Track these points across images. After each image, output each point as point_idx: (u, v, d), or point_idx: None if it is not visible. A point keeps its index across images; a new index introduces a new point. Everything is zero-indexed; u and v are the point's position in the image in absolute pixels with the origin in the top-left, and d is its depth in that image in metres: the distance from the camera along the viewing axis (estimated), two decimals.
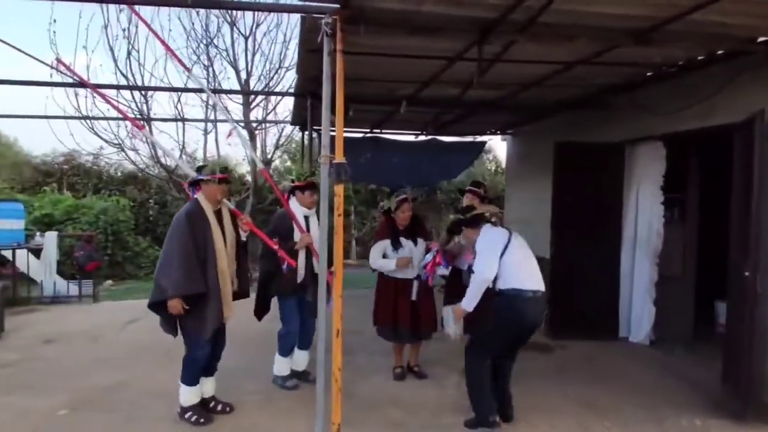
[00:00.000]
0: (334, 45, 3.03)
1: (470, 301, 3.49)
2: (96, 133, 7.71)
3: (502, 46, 3.78)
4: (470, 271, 3.70)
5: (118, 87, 6.86)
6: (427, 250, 4.47)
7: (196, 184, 3.81)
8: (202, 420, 3.70)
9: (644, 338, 5.75)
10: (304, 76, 4.45)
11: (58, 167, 12.51)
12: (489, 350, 3.58)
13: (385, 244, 4.50)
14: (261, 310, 4.45)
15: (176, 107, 7.47)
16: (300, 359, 4.52)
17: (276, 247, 4.06)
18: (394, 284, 4.47)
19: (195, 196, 3.81)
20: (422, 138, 8.52)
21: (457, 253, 4.41)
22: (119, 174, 12.59)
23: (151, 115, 7.61)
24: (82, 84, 5.24)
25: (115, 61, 7.09)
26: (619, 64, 4.33)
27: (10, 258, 8.03)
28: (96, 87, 5.38)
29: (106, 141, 8.02)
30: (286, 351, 4.37)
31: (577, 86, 5.17)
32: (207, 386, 3.91)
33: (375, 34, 3.34)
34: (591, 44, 3.65)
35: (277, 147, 9.48)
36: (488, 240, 3.56)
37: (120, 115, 7.47)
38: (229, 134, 7.31)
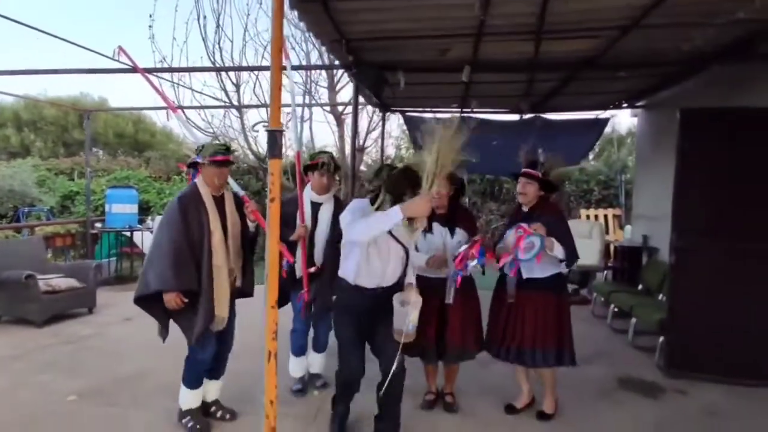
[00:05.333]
0: None
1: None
2: (191, 124, 8.03)
3: None
4: None
5: (171, 70, 6.95)
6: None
7: (195, 166, 3.36)
8: (198, 427, 3.34)
9: None
10: (319, 39, 3.74)
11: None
12: None
13: None
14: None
15: (254, 93, 7.40)
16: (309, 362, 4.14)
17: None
18: (423, 285, 3.52)
19: (195, 180, 3.39)
20: (526, 117, 7.21)
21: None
22: (245, 165, 13.24)
23: (242, 103, 7.68)
24: (134, 70, 5.18)
25: (207, 51, 7.26)
26: None
27: (132, 239, 8.85)
28: (145, 71, 5.29)
29: (199, 130, 8.36)
30: (294, 349, 3.99)
31: (707, 25, 3.62)
32: (211, 390, 3.57)
33: None
34: None
35: (368, 132, 8.93)
36: None
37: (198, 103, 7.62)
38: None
